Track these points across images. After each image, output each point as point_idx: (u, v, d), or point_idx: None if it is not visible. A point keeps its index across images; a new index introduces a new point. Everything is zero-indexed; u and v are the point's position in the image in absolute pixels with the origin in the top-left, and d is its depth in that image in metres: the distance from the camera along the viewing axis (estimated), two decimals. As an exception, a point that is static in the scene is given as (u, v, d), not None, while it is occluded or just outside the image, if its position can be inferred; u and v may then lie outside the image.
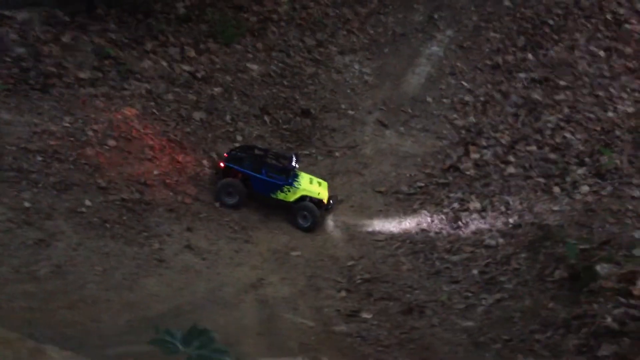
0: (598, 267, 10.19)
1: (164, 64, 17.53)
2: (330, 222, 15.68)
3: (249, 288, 11.81)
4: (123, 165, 13.90)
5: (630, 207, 13.84)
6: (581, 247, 11.84)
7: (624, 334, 7.89)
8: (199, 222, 13.85)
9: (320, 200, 15.28)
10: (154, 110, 16.20)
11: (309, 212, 15.10)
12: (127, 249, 11.62)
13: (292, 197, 15.32)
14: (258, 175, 15.22)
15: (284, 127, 18.90)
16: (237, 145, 16.61)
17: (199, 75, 17.98)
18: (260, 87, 19.35)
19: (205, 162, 15.87)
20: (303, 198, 15.30)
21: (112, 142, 14.22)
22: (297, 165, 15.76)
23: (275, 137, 18.41)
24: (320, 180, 16.12)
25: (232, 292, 11.45)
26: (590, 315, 8.70)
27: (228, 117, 17.75)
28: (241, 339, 9.10)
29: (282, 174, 15.37)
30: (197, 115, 16.96)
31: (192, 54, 18.36)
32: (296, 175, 15.64)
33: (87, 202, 12.28)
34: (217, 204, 14.81)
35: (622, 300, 8.87)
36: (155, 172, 14.40)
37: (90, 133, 14.03)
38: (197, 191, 14.78)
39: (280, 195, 15.36)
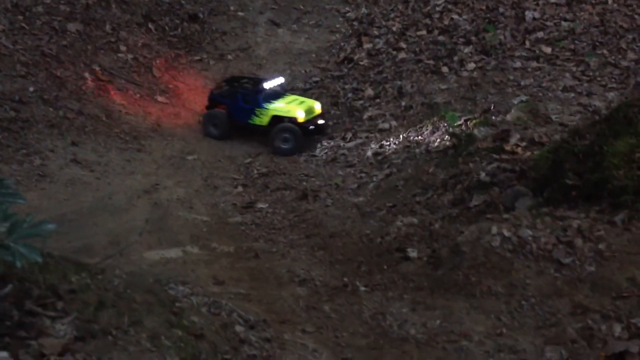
0: (476, 131, 10.61)
1: (28, -27, 16.10)
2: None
3: (142, 194, 11.54)
4: (-7, 84, 12.94)
5: (511, 78, 14.39)
6: (465, 117, 12.28)
7: (494, 184, 8.30)
8: (85, 135, 13.25)
9: (295, 119, 14.08)
10: (23, 25, 15.00)
11: (290, 133, 13.97)
12: (3, 167, 11.01)
13: (265, 119, 14.34)
14: (234, 103, 14.55)
15: (171, 34, 18.10)
16: (223, 81, 15.91)
17: (69, -17, 16.68)
18: (141, -8, 18.26)
19: (87, 75, 15.02)
20: (278, 120, 14.20)
21: (-23, 60, 13.15)
22: (276, 87, 14.93)
23: (162, 45, 17.63)
24: (306, 100, 14.92)
25: (124, 198, 11.17)
26: (465, 173, 9.11)
27: (108, 27, 16.75)
28: (129, 237, 8.95)
29: (254, 98, 14.49)
30: (73, 26, 15.87)
31: (59, -40, 16.93)
32: (276, 97, 14.67)
33: (-45, 124, 11.45)
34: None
35: (495, 156, 9.30)
36: (31, 89, 13.52)
37: (-50, 52, 12.89)
38: (80, 105, 14.05)
39: (256, 120, 14.44)
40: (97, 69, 15.44)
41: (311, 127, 14.29)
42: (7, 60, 13.91)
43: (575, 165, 6.10)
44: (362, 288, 5.64)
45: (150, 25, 17.76)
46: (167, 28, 18.09)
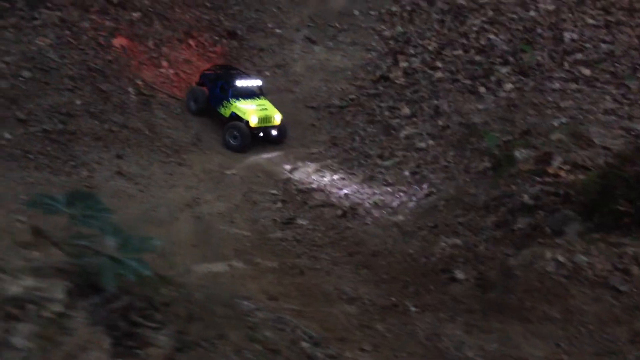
0: (517, 153, 10.64)
1: (76, -11, 16.64)
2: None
3: (184, 207, 11.80)
4: (42, 97, 13.39)
5: (550, 99, 14.36)
6: (504, 139, 12.31)
7: (538, 207, 8.33)
8: (129, 148, 13.59)
9: (247, 122, 15.00)
10: (70, 39, 15.47)
11: (238, 131, 14.93)
12: (53, 178, 11.36)
13: (227, 113, 15.42)
14: (213, 89, 15.74)
15: (211, 50, 18.46)
16: (217, 65, 17.23)
17: (114, 0, 17.17)
18: (182, 10, 18.70)
19: (130, 89, 15.41)
20: (236, 117, 15.21)
21: (27, 74, 13.62)
22: (253, 87, 15.94)
23: (202, 60, 17.99)
24: (270, 108, 15.57)
25: (167, 211, 11.42)
26: (508, 195, 9.14)
27: (151, 43, 17.17)
28: (175, 250, 9.16)
29: (227, 90, 15.57)
30: (117, 42, 16.32)
31: (106, -22, 17.48)
32: (247, 97, 15.61)
33: (7, 135, 11.85)
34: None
35: (538, 179, 9.33)
36: (78, 102, 13.92)
37: (2, 65, 13.37)
38: (124, 119, 14.42)
39: (222, 110, 15.58)
40: (140, 83, 15.82)
41: (260, 134, 15.14)
42: (55, 74, 14.35)
43: (626, 191, 6.12)
44: (413, 308, 5.72)
45: (190, 42, 18.15)
46: (206, 44, 18.46)
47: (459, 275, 6.49)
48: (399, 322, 5.26)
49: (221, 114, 15.56)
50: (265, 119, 15.18)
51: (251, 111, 15.13)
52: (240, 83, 15.68)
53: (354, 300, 6.25)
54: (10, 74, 13.30)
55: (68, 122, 13.24)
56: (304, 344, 3.93)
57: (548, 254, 5.18)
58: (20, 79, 13.40)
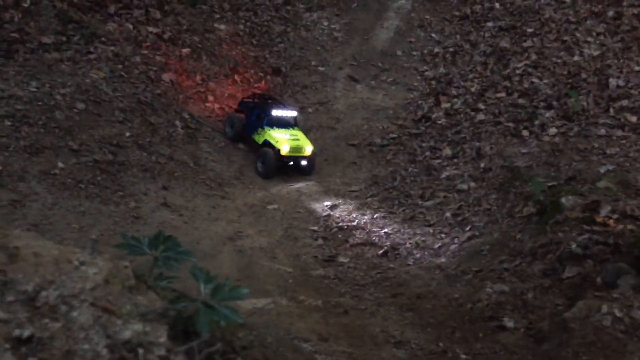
0: (563, 200, 10.55)
1: (129, 26, 17.32)
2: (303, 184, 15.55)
3: (227, 240, 11.98)
4: (94, 128, 13.82)
5: (596, 145, 14.23)
6: (549, 184, 12.22)
7: (587, 257, 8.24)
8: (175, 180, 13.90)
9: (278, 150, 15.34)
10: (122, 73, 16.03)
11: (265, 157, 15.33)
12: (103, 207, 11.68)
13: (260, 139, 15.83)
14: (250, 116, 16.24)
15: (256, 85, 18.88)
16: (255, 94, 17.68)
17: (165, 36, 17.81)
18: (229, 46, 19.26)
19: (177, 122, 15.83)
20: (268, 145, 15.62)
21: (81, 105, 14.11)
22: (287, 117, 16.40)
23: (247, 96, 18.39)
24: (302, 139, 15.96)
25: (210, 244, 11.61)
26: (555, 243, 9.05)
27: (198, 78, 17.68)
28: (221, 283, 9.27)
29: (262, 118, 15.98)
30: (167, 76, 16.85)
31: (157, 15, 18.15)
32: (281, 126, 15.98)
33: (60, 164, 12.24)
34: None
35: (586, 227, 9.23)
36: (128, 134, 14.35)
37: (59, 97, 13.90)
38: (171, 151, 14.78)
39: (256, 137, 16.00)
40: (187, 117, 16.25)
41: (290, 162, 15.51)
42: (107, 107, 14.83)
43: (682, 245, 6.04)
44: (463, 356, 5.70)
45: (236, 77, 18.62)
46: (251, 80, 18.91)
47: (508, 323, 6.44)
48: (451, 370, 5.26)
49: (255, 141, 15.99)
50: (296, 149, 15.50)
51: (283, 140, 15.48)
52: (276, 112, 16.09)
53: (402, 344, 6.25)
54: (65, 106, 13.80)
55: (118, 153, 13.62)
56: (364, 390, 3.97)
57: (605, 308, 5.13)
58: (75, 110, 13.88)
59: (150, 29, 17.70)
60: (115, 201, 12.15)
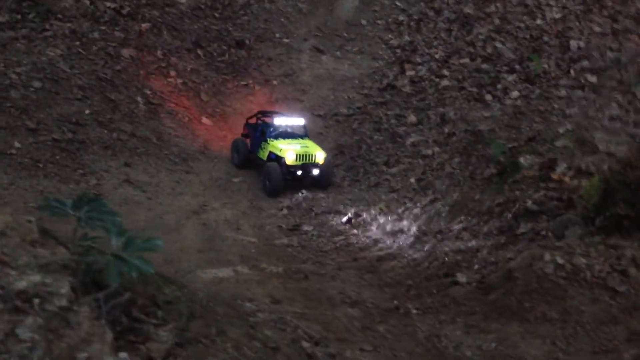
0: (522, 159, 10.67)
1: (86, 2, 16.93)
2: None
3: (191, 214, 11.93)
4: (52, 106, 13.60)
5: (556, 106, 14.41)
6: (509, 145, 12.35)
7: (542, 212, 8.38)
8: (137, 157, 13.76)
9: (284, 161, 13.36)
10: (80, 50, 15.73)
11: (270, 172, 13.23)
12: (62, 186, 11.53)
13: (264, 154, 13.98)
14: (254, 134, 14.56)
15: (219, 59, 18.66)
16: (259, 112, 15.45)
17: (124, 11, 17.46)
18: (191, 20, 18.95)
19: (139, 98, 15.61)
20: (274, 159, 13.69)
21: (37, 84, 13.85)
22: (296, 127, 14.51)
23: (210, 70, 18.19)
24: (312, 147, 13.85)
25: (174, 218, 11.55)
26: (512, 201, 9.18)
27: (159, 53, 17.40)
28: (181, 256, 9.27)
29: (266, 131, 14.25)
30: (126, 52, 16.55)
31: (115, -10, 17.78)
32: (286, 137, 14.10)
33: (17, 144, 12.05)
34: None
35: (542, 185, 9.37)
36: (87, 112, 14.13)
37: (14, 76, 13.62)
38: (132, 128, 14.60)
39: (260, 153, 14.18)
40: (149, 92, 16.02)
41: (298, 171, 13.41)
42: (65, 84, 14.57)
43: (627, 195, 6.17)
44: (414, 311, 5.79)
45: (199, 52, 18.36)
46: (215, 54, 18.67)
47: (461, 279, 6.55)
48: (400, 323, 5.33)
49: (260, 158, 14.08)
50: (304, 156, 13.45)
51: (288, 148, 13.53)
52: (279, 121, 14.30)
53: (357, 303, 6.32)
54: (21, 84, 13.53)
55: (77, 131, 13.42)
56: (305, 343, 4.01)
57: (547, 256, 5.24)
58: (31, 89, 13.62)
59: (108, 4, 17.35)
60: (76, 179, 12.01)
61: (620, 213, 6.02)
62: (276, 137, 14.02)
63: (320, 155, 13.58)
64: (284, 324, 4.21)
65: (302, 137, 14.35)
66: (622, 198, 6.16)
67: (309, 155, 13.50)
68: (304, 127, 14.75)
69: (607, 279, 4.84)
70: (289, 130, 14.41)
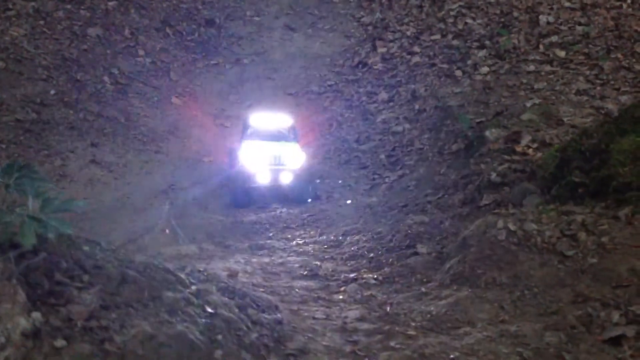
0: (487, 133, 10.70)
1: (50, -21, 16.56)
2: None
3: (159, 194, 11.84)
4: (15, 87, 13.35)
5: (524, 81, 14.43)
6: (477, 120, 12.37)
7: (504, 184, 8.40)
8: (104, 137, 13.59)
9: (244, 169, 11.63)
10: (44, 29, 15.41)
11: (231, 182, 11.84)
12: (26, 166, 11.32)
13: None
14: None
15: (189, 38, 18.46)
16: None
17: (90, -11, 17.12)
18: (159, -2, 18.68)
19: (106, 78, 15.36)
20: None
21: (0, 64, 13.52)
22: (277, 128, 12.56)
23: (180, 49, 17.98)
24: (290, 148, 12.01)
25: (141, 198, 11.45)
26: (477, 174, 9.21)
27: (127, 32, 17.15)
28: (146, 235, 9.17)
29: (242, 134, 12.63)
30: (93, 31, 16.28)
31: (81, -33, 17.39)
32: (271, 139, 12.14)
33: (-22, 125, 11.80)
34: None
35: (506, 157, 9.40)
36: (52, 92, 13.88)
37: (-25, 56, 13.30)
38: (100, 108, 14.40)
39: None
40: (116, 72, 15.78)
41: (260, 183, 11.60)
42: (29, 64, 14.29)
43: (582, 163, 6.20)
44: (372, 281, 5.80)
45: (168, 30, 18.12)
46: (184, 33, 18.45)
47: (421, 249, 6.58)
48: (356, 293, 5.34)
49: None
50: (271, 161, 11.71)
51: (249, 154, 11.75)
52: (257, 122, 12.51)
53: (317, 276, 6.31)
54: (-18, 64, 13.23)
55: (42, 111, 13.21)
56: (251, 311, 3.98)
57: (500, 223, 5.27)
58: (-7, 69, 13.34)
59: (73, -18, 16.97)
60: (40, 160, 11.83)
61: (576, 180, 6.05)
62: (253, 139, 12.22)
63: (293, 160, 11.80)
64: (232, 292, 4.18)
65: (287, 140, 12.35)
66: (577, 166, 6.19)
67: (278, 158, 11.74)
68: (293, 128, 12.85)
69: (556, 244, 4.87)
70: (270, 132, 12.37)
